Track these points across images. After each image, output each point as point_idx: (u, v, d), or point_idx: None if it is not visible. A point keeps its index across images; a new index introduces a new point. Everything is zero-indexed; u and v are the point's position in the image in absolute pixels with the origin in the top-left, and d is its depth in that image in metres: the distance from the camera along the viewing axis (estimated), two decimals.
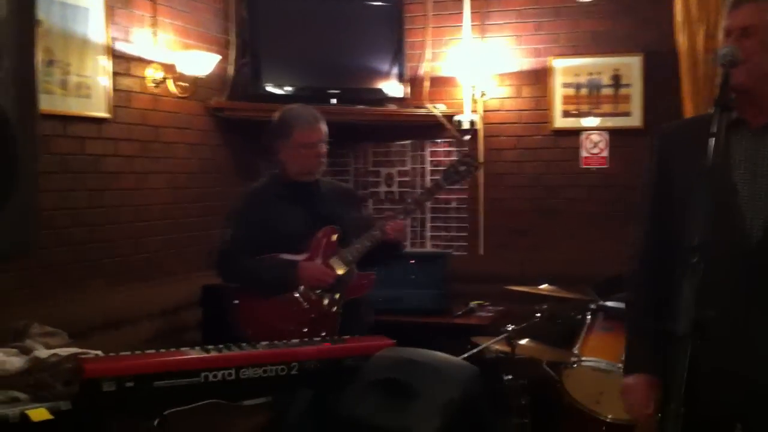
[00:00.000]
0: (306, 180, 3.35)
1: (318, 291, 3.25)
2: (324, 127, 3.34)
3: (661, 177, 2.18)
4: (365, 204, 3.73)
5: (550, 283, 4.14)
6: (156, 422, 2.58)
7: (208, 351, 2.56)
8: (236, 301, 3.31)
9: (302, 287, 3.24)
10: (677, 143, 2.17)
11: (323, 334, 3.11)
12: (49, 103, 3.51)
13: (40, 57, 3.40)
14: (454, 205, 5.25)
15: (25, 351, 2.73)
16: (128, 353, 2.58)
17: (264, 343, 2.71)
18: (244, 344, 2.66)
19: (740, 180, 2.00)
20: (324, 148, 3.33)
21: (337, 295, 3.26)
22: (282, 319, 3.22)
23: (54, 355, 2.67)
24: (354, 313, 3.27)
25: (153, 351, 2.61)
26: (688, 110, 4.37)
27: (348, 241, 3.30)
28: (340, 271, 3.25)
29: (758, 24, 2.00)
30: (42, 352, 2.70)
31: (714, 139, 1.78)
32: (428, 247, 5.20)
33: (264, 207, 3.32)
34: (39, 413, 2.34)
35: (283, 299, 3.24)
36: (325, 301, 3.24)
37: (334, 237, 3.30)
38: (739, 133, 2.01)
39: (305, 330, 3.16)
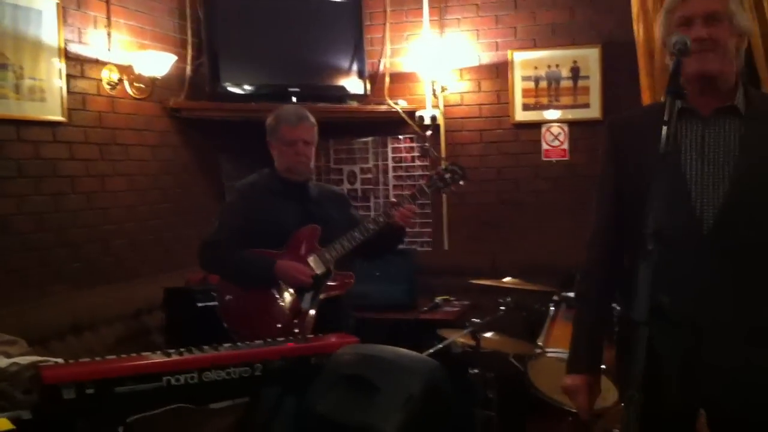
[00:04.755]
0: (294, 179, 3.37)
1: (295, 289, 3.25)
2: (308, 128, 3.36)
3: (612, 168, 2.20)
4: (354, 207, 3.74)
5: (516, 276, 4.16)
6: (120, 429, 2.55)
7: (169, 355, 2.52)
8: (218, 294, 3.41)
9: (279, 284, 3.24)
10: (627, 134, 2.18)
11: (297, 331, 3.11)
12: (1, 107, 3.46)
13: None
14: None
15: None
16: (88, 359, 2.54)
17: (227, 344, 2.69)
18: (206, 347, 2.64)
19: (690, 167, 2.02)
20: (304, 148, 3.34)
21: (314, 294, 3.25)
22: (258, 314, 3.24)
23: (13, 364, 2.62)
24: (332, 312, 3.26)
25: (114, 356, 2.57)
26: (647, 100, 4.42)
27: (332, 241, 3.30)
28: (318, 270, 3.25)
29: (722, 10, 2.01)
30: (1, 362, 2.66)
31: (666, 127, 1.79)
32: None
33: (257, 200, 3.35)
34: (0, 423, 2.30)
35: (260, 295, 3.26)
36: (302, 300, 3.24)
37: (315, 236, 3.30)
38: (689, 120, 2.03)
39: (279, 326, 3.16)
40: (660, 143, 1.77)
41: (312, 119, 3.40)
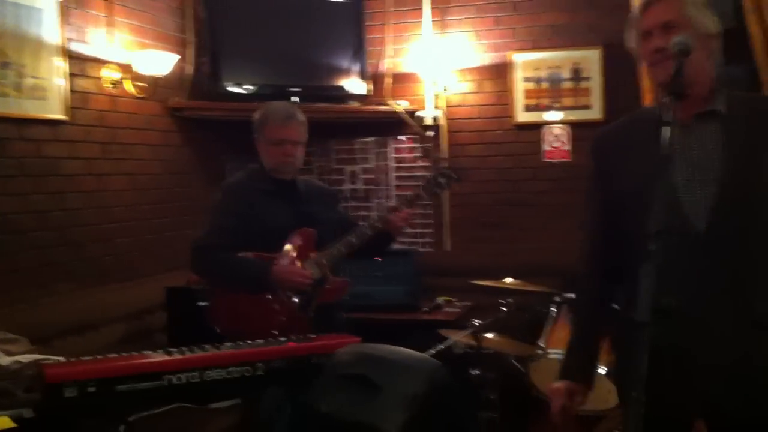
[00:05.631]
0: (281, 177, 3.32)
1: (291, 294, 3.22)
2: (296, 127, 3.30)
3: (599, 183, 2.23)
4: (342, 203, 3.70)
5: (518, 276, 4.15)
6: (122, 428, 2.55)
7: (170, 353, 2.53)
8: (209, 297, 3.31)
9: (275, 289, 3.19)
10: (610, 147, 2.23)
11: (293, 337, 3.09)
12: (3, 105, 3.46)
13: None
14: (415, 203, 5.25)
15: None
16: (90, 358, 2.55)
17: (228, 344, 2.68)
18: (207, 346, 2.63)
19: (676, 174, 2.02)
20: (292, 148, 3.28)
21: (310, 299, 3.22)
22: (252, 319, 3.17)
23: (15, 362, 2.63)
24: (326, 317, 3.22)
25: (115, 355, 2.57)
26: (648, 101, 4.40)
27: (326, 242, 3.26)
28: (315, 275, 3.22)
29: (677, 17, 2.03)
30: (3, 360, 2.66)
31: (666, 127, 1.81)
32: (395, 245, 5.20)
33: (249, 200, 3.27)
34: (2, 422, 2.31)
35: (254, 300, 3.19)
36: (297, 305, 3.21)
37: (311, 239, 3.26)
38: (671, 128, 2.04)
39: (275, 332, 3.12)
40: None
41: (301, 117, 3.34)
